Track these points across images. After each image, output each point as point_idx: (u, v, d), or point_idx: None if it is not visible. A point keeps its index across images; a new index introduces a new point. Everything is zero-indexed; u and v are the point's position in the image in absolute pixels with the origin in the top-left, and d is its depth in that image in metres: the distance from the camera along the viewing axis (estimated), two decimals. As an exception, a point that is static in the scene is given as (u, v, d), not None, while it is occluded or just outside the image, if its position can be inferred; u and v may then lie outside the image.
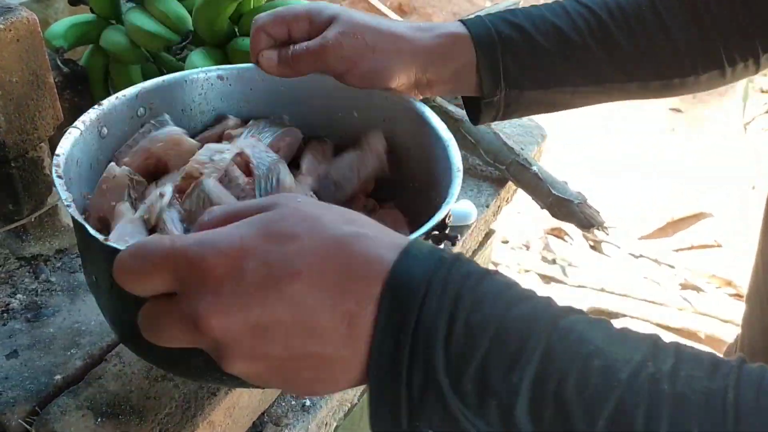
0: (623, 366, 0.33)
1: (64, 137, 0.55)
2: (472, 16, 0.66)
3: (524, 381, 0.33)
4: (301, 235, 0.36)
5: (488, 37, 0.63)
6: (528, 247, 2.39)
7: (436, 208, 0.53)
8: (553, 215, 1.00)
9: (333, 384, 0.37)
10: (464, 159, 1.04)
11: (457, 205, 0.93)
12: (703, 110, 3.14)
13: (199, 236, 0.36)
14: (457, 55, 0.63)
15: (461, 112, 1.04)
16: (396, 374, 0.34)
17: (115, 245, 0.47)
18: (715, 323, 2.12)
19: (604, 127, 2.90)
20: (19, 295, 0.71)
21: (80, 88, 0.98)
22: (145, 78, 1.01)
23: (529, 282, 2.26)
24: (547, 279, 2.30)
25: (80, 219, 0.49)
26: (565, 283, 2.27)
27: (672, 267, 2.33)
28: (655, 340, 0.34)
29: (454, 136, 1.02)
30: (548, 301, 0.36)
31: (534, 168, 0.99)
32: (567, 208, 0.98)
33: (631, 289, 2.21)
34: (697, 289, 2.26)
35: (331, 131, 0.70)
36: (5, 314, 0.69)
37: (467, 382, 0.33)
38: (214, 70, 0.67)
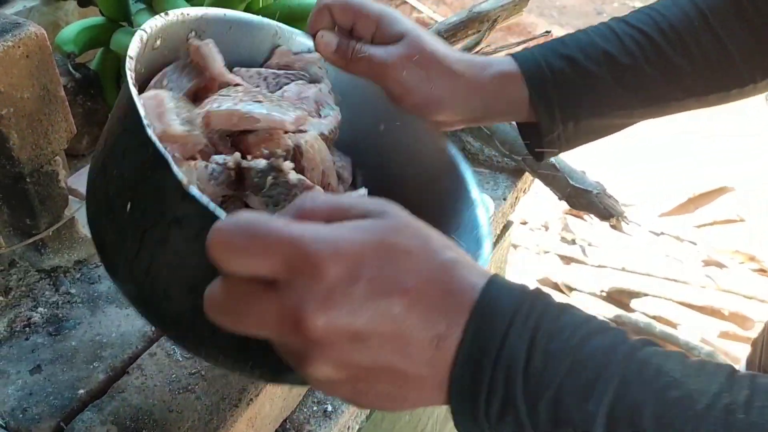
0: (699, 397, 0.34)
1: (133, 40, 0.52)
2: (524, 50, 0.65)
3: (600, 410, 0.34)
4: (414, 253, 0.36)
5: (539, 72, 0.62)
6: (547, 228, 2.38)
7: None
8: (572, 206, 0.99)
9: (401, 401, 0.38)
10: (480, 151, 1.03)
11: (474, 200, 0.92)
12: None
13: (317, 231, 0.35)
14: (508, 93, 0.62)
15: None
16: (476, 397, 0.36)
17: (214, 210, 0.40)
18: (739, 300, 2.10)
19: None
20: (40, 309, 0.72)
21: (93, 93, 0.98)
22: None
23: (548, 263, 2.25)
24: (566, 259, 2.28)
25: (161, 149, 0.42)
26: (585, 263, 2.25)
27: (694, 244, 2.30)
28: (730, 371, 0.36)
29: (470, 128, 1.02)
30: (624, 333, 0.37)
31: (551, 159, 0.97)
32: (586, 199, 0.96)
33: (653, 268, 2.19)
34: (720, 265, 2.24)
35: (353, 138, 0.67)
36: (27, 328, 0.70)
37: (543, 410, 0.35)
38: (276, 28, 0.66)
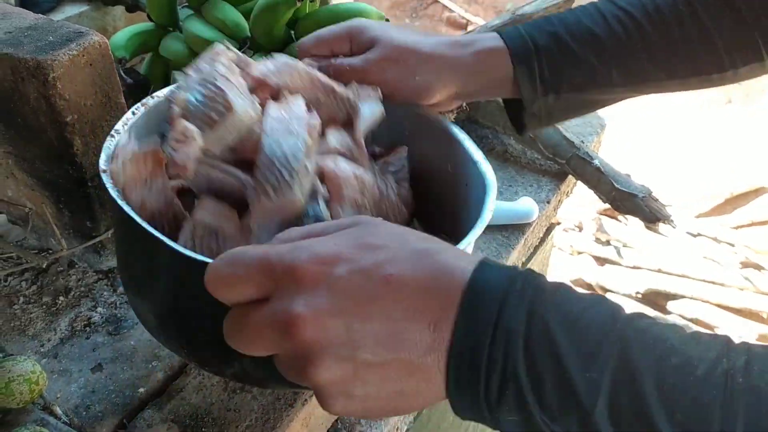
0: (699, 363, 0.35)
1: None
2: (510, 27, 0.68)
3: (604, 378, 0.35)
4: (391, 245, 0.38)
5: (524, 48, 0.64)
6: (581, 229, 2.36)
7: (466, 224, 0.54)
8: (617, 209, 0.99)
9: (413, 397, 0.38)
10: (522, 154, 1.04)
11: (519, 204, 0.92)
12: (759, 80, 3.03)
13: (292, 245, 0.38)
14: (495, 68, 0.65)
15: (519, 106, 1.03)
16: (475, 374, 0.36)
17: (200, 257, 0.45)
18: (779, 303, 2.07)
19: (657, 103, 2.83)
20: (99, 308, 0.74)
21: (142, 97, 1.00)
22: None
23: (582, 264, 2.24)
24: (601, 261, 2.27)
25: (151, 229, 0.48)
26: (620, 265, 2.24)
27: (732, 245, 2.27)
28: (726, 340, 0.36)
29: (512, 131, 1.02)
30: (619, 306, 0.38)
31: (595, 162, 0.97)
32: (631, 203, 0.96)
33: (690, 269, 2.16)
34: (759, 267, 2.21)
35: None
36: (88, 328, 0.72)
37: (546, 380, 0.35)
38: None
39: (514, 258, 0.90)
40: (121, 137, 0.56)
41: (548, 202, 0.97)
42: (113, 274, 0.77)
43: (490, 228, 0.92)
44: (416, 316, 0.36)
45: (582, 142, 1.00)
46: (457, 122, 0.99)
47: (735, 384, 0.34)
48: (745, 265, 2.22)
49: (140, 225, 0.48)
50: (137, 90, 0.99)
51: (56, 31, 0.65)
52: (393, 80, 0.62)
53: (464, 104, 0.96)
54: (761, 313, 2.06)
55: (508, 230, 0.91)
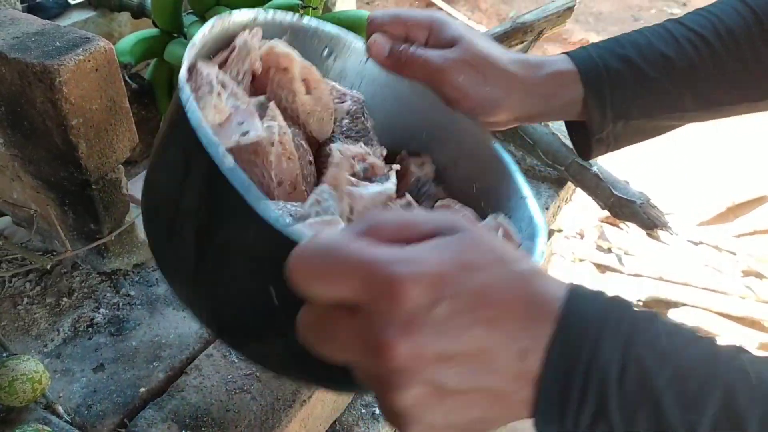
0: None
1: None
2: (579, 48, 0.65)
3: (704, 420, 0.33)
4: (492, 266, 0.35)
5: (595, 72, 0.62)
6: (582, 236, 2.37)
7: None
8: (615, 216, 1.00)
9: (491, 423, 0.37)
10: (522, 160, 1.05)
11: (518, 209, 0.93)
12: (763, 89, 3.04)
13: (394, 253, 0.34)
14: (564, 92, 0.63)
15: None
16: (564, 410, 0.35)
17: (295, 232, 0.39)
18: (780, 311, 2.07)
19: (659, 110, 2.83)
20: (102, 310, 0.75)
21: (146, 102, 1.01)
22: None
23: (584, 271, 2.24)
24: (602, 268, 2.27)
25: (231, 166, 0.40)
26: (622, 272, 2.24)
27: (733, 254, 2.27)
28: None
29: (512, 137, 1.03)
30: (714, 341, 0.36)
31: (594, 168, 0.98)
32: (629, 209, 0.97)
33: (691, 278, 2.16)
34: (760, 276, 2.21)
35: (394, 140, 0.67)
36: (90, 328, 0.73)
37: (641, 422, 0.34)
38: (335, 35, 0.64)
39: (512, 263, 0.91)
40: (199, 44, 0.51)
41: (547, 209, 0.98)
42: (116, 276, 0.78)
43: (489, 233, 0.92)
44: (507, 344, 0.35)
45: (581, 149, 1.01)
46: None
47: None
48: (747, 273, 2.22)
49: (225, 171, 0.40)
50: (142, 95, 1.01)
51: (63, 37, 0.67)
52: (465, 86, 0.59)
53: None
54: (763, 321, 2.05)
55: (507, 236, 0.92)
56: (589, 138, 0.65)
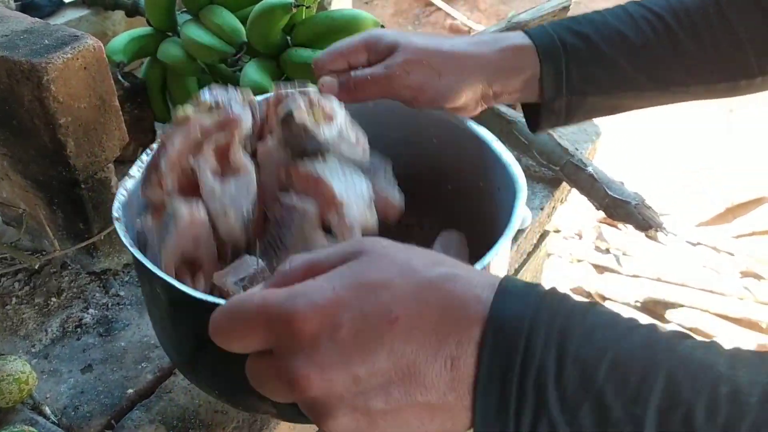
0: (751, 389, 0.32)
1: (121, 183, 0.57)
2: (535, 26, 0.66)
3: (649, 413, 0.32)
4: (394, 280, 0.35)
5: (552, 47, 0.62)
6: (580, 237, 2.36)
7: (498, 230, 0.52)
8: (610, 216, 0.99)
9: None
10: (518, 160, 1.04)
11: (512, 210, 0.93)
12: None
13: (289, 290, 0.35)
14: (522, 66, 0.63)
15: (513, 113, 1.03)
16: (504, 413, 0.34)
17: (204, 298, 0.46)
18: (778, 313, 2.06)
19: (657, 111, 2.83)
20: (91, 310, 0.74)
21: (140, 101, 1.01)
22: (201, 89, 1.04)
23: (582, 272, 2.24)
24: (600, 269, 2.26)
25: (162, 274, 0.49)
26: (620, 273, 2.23)
27: (731, 254, 2.27)
28: None
29: (507, 138, 1.03)
30: (655, 328, 0.35)
31: (589, 169, 0.98)
32: (624, 210, 0.96)
33: (689, 278, 2.16)
34: (758, 277, 2.20)
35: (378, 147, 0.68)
36: (79, 329, 0.72)
37: (584, 417, 0.33)
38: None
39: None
40: (134, 182, 0.57)
41: (542, 209, 0.97)
42: (105, 276, 0.78)
43: (482, 234, 0.92)
44: (429, 355, 0.34)
45: (576, 149, 1.00)
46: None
47: None
48: (745, 274, 2.21)
49: (154, 272, 0.49)
50: (134, 93, 1.00)
51: (52, 35, 0.66)
52: (417, 83, 0.60)
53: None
54: (760, 323, 2.05)
55: (501, 236, 0.91)
56: (539, 109, 0.65)
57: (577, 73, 0.63)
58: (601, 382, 0.33)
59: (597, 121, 1.16)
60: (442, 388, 0.34)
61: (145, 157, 0.59)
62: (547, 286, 0.37)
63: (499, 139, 1.04)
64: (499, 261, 0.52)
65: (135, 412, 0.65)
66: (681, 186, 2.51)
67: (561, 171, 0.98)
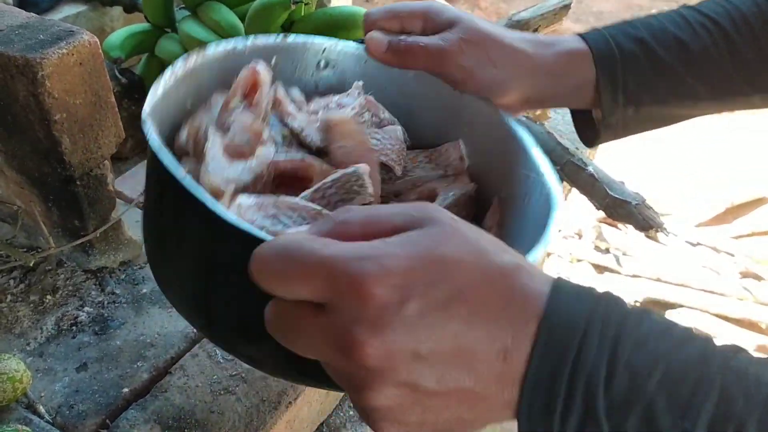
0: None
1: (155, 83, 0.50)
2: (591, 29, 0.63)
3: (699, 427, 0.32)
4: (466, 259, 0.33)
5: (609, 53, 0.60)
6: (580, 236, 2.35)
7: (521, 242, 0.47)
8: (610, 216, 0.98)
9: (471, 424, 0.35)
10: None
11: (512, 209, 0.92)
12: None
13: (358, 249, 0.33)
14: (576, 72, 0.60)
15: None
16: (550, 414, 0.33)
17: (255, 233, 0.39)
18: (778, 313, 2.06)
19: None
20: (86, 308, 0.74)
21: (137, 97, 1.00)
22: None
23: (581, 272, 2.23)
24: (600, 269, 2.26)
25: (192, 185, 0.41)
26: (619, 273, 2.23)
27: (731, 255, 2.26)
28: None
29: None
30: (711, 340, 0.34)
31: (589, 168, 0.97)
32: (624, 210, 0.96)
33: (689, 279, 2.15)
34: (758, 277, 2.20)
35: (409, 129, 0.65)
36: (74, 327, 0.72)
37: (632, 427, 0.32)
38: (327, 47, 0.63)
39: (506, 264, 0.90)
40: (166, 85, 0.51)
41: (542, 208, 0.96)
42: (101, 274, 0.77)
43: (482, 233, 0.91)
44: (486, 344, 0.33)
45: (577, 148, 1.00)
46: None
47: None
48: (745, 275, 2.21)
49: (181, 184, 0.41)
50: (132, 90, 0.99)
51: (47, 30, 0.65)
52: (470, 66, 0.57)
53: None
54: (760, 323, 2.05)
55: (501, 236, 0.91)
56: (596, 123, 0.63)
57: (635, 82, 0.60)
58: (651, 393, 0.32)
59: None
60: (489, 378, 0.33)
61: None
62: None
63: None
64: None
65: (130, 411, 0.64)
66: (681, 186, 2.51)
67: (561, 170, 0.98)
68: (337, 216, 0.35)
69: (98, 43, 0.66)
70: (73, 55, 0.64)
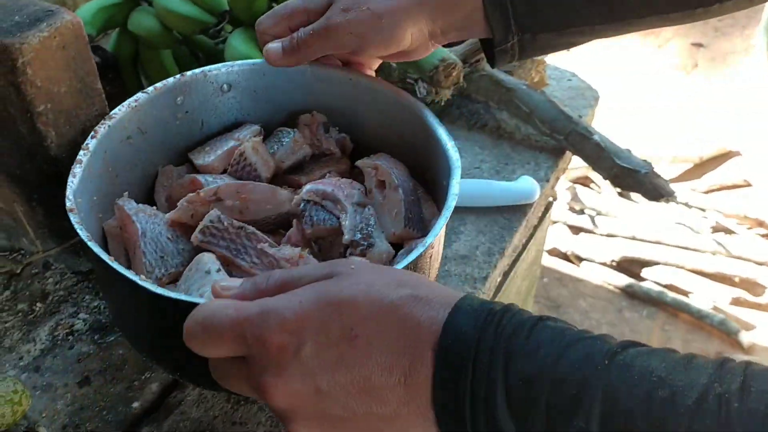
0: (689, 392, 0.33)
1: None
2: None
3: (592, 424, 0.34)
4: (357, 299, 0.38)
5: None
6: (555, 198, 2.35)
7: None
8: (617, 186, 0.96)
9: None
10: (516, 129, 0.99)
11: (519, 183, 0.88)
12: (724, 44, 3.04)
13: (263, 304, 0.39)
14: (464, 1, 0.60)
15: (513, 81, 0.98)
16: (462, 424, 0.36)
17: (186, 298, 0.47)
18: (751, 266, 2.09)
19: (621, 67, 2.81)
20: (82, 314, 0.68)
21: (111, 77, 0.92)
22: (178, 63, 0.95)
23: (557, 233, 2.23)
24: (575, 230, 2.26)
25: (130, 275, 0.48)
26: (595, 233, 2.23)
27: (702, 210, 2.29)
28: (722, 361, 0.35)
29: (507, 106, 0.98)
30: (602, 339, 0.37)
31: (595, 137, 0.94)
32: (633, 179, 0.93)
33: (663, 236, 2.17)
34: (729, 231, 2.23)
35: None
36: (71, 336, 0.66)
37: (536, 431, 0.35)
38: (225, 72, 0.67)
39: (515, 242, 0.86)
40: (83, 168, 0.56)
41: (547, 181, 0.93)
42: (94, 276, 0.71)
43: (490, 209, 0.88)
44: (384, 373, 0.37)
45: (580, 116, 0.96)
46: (451, 97, 0.94)
47: (730, 409, 0.32)
48: (716, 229, 2.24)
49: (113, 267, 0.49)
50: (105, 68, 0.91)
51: (22, 11, 0.58)
52: (358, 29, 0.58)
53: (460, 80, 0.90)
54: (733, 277, 2.08)
55: (509, 212, 0.87)
56: (492, 49, 0.63)
57: (523, 9, 0.60)
58: (545, 400, 0.35)
59: (595, 83, 1.12)
60: (395, 402, 0.37)
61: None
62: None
63: (499, 107, 1.00)
64: (438, 241, 0.56)
65: (144, 429, 0.59)
66: (648, 142, 2.51)
67: (565, 140, 0.94)
68: (258, 280, 0.42)
69: (82, 23, 0.59)
70: (55, 38, 0.57)
